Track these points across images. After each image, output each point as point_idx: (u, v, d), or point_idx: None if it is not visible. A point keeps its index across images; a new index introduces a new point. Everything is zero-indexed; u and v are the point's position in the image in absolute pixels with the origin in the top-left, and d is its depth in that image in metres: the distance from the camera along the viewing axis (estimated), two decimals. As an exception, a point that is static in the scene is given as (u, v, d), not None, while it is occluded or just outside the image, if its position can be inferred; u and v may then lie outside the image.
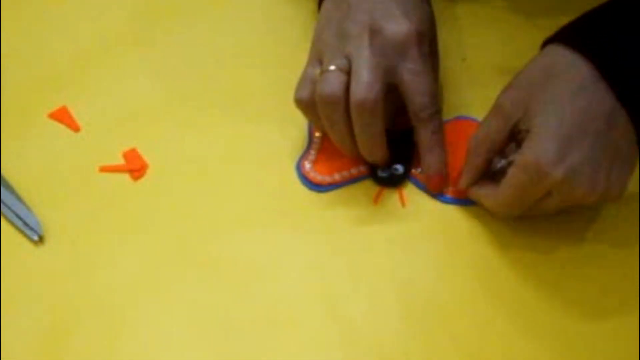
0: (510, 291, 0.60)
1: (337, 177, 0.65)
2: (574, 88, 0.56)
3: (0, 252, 0.62)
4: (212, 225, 0.63)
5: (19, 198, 0.64)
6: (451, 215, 0.63)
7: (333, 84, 0.60)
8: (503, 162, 0.60)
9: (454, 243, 0.62)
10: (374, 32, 0.61)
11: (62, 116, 0.69)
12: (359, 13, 0.62)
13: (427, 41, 0.62)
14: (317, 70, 0.62)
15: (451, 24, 0.72)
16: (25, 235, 0.63)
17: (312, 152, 0.66)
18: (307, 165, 0.65)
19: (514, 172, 0.57)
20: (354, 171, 0.65)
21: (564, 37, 0.58)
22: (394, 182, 0.64)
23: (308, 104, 0.62)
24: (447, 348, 0.58)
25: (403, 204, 0.64)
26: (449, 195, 0.64)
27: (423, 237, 0.62)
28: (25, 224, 0.63)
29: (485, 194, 0.61)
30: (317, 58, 0.63)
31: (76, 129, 0.69)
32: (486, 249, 0.61)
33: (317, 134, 0.67)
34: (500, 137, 0.59)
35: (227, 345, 0.58)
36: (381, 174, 0.64)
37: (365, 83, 0.60)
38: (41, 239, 0.63)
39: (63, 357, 0.58)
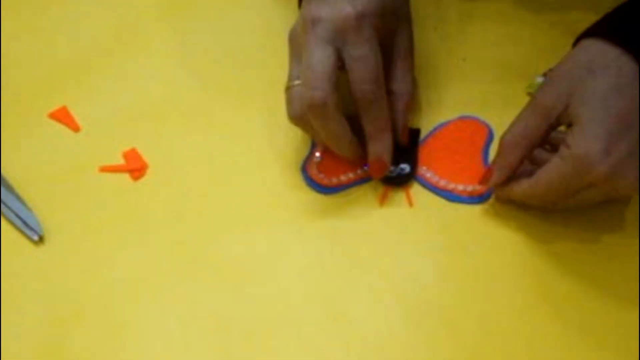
0: (513, 291, 0.60)
1: (343, 178, 0.65)
2: (619, 84, 0.56)
3: (0, 252, 0.62)
4: (212, 225, 0.63)
5: (19, 198, 0.64)
6: (459, 215, 0.63)
7: (294, 105, 0.61)
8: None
9: (457, 243, 0.62)
10: (314, 23, 0.60)
11: (62, 116, 0.69)
12: (306, 8, 0.61)
13: (369, 23, 0.60)
14: (285, 86, 0.62)
15: (452, 23, 0.72)
16: (25, 235, 0.63)
17: (317, 153, 0.66)
18: (313, 167, 0.65)
19: (557, 163, 0.57)
20: (360, 172, 0.65)
21: (602, 31, 0.58)
22: (400, 181, 0.64)
23: (299, 122, 0.62)
24: (448, 348, 0.58)
25: (410, 203, 0.64)
26: (456, 193, 0.64)
27: (428, 236, 0.62)
28: (25, 224, 0.63)
29: (521, 186, 0.60)
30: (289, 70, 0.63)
31: (76, 129, 0.69)
32: (491, 249, 0.61)
33: None
34: (539, 134, 0.59)
35: (227, 345, 0.58)
36: (387, 173, 0.64)
37: (310, 85, 0.59)
38: (41, 239, 0.63)
39: (63, 357, 0.58)
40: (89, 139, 0.68)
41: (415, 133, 0.66)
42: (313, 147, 0.66)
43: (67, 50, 0.73)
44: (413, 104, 0.65)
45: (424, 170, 0.65)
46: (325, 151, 0.65)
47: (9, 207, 0.64)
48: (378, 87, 0.61)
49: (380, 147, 0.62)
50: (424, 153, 0.65)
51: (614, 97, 0.56)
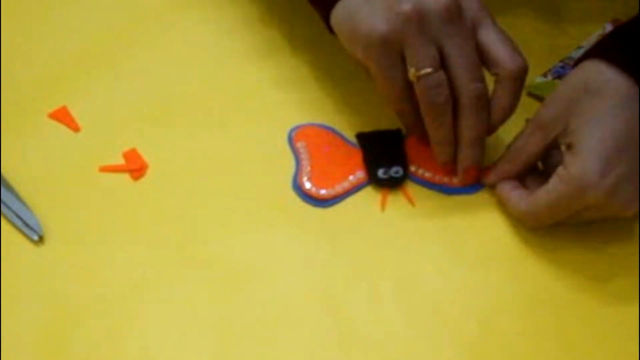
0: (514, 291, 0.60)
1: (338, 188, 0.64)
2: (615, 105, 0.57)
3: (0, 252, 0.62)
4: (212, 225, 0.63)
5: (19, 198, 0.64)
6: (459, 213, 0.63)
7: (441, 92, 0.59)
8: None
9: (458, 242, 0.62)
10: (424, 14, 0.57)
11: (62, 116, 0.69)
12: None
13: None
14: (412, 70, 0.59)
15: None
16: (25, 235, 0.63)
17: (307, 167, 0.65)
18: (305, 181, 0.65)
19: (555, 184, 0.58)
20: (352, 179, 0.65)
21: (601, 52, 0.58)
22: (396, 183, 0.64)
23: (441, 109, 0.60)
24: (448, 348, 0.58)
25: (412, 203, 0.64)
26: (453, 185, 0.64)
27: (429, 236, 0.62)
28: (25, 224, 0.63)
29: (516, 197, 0.61)
30: (393, 49, 0.59)
31: (76, 129, 0.69)
32: (492, 249, 0.62)
33: (298, 144, 0.66)
34: (538, 151, 0.60)
35: (227, 346, 0.58)
36: (382, 176, 0.64)
37: (472, 76, 0.58)
38: (41, 239, 0.63)
39: (63, 357, 0.58)
40: (89, 139, 0.68)
41: (397, 134, 0.66)
42: (298, 162, 0.66)
43: (67, 50, 0.73)
44: None
45: (415, 169, 0.65)
46: (313, 162, 0.65)
47: (9, 207, 0.64)
48: (483, 86, 0.60)
49: (476, 153, 0.62)
50: (411, 152, 0.66)
51: (610, 118, 0.57)
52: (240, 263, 0.62)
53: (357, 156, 0.66)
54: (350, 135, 0.67)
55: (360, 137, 0.67)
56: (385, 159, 0.65)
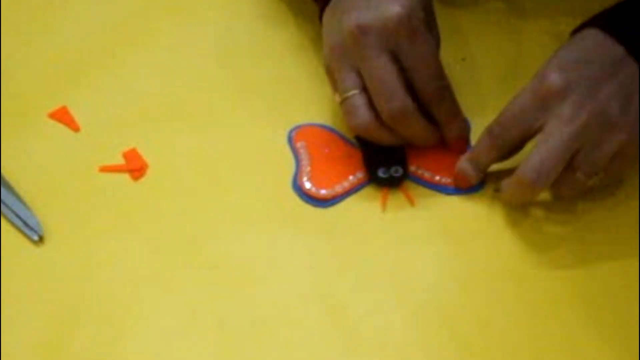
0: (514, 291, 0.60)
1: (338, 188, 0.64)
2: (589, 45, 0.59)
3: (0, 252, 0.62)
4: (212, 225, 0.63)
5: (19, 198, 0.64)
6: (460, 212, 0.63)
7: (359, 114, 0.61)
8: None
9: (460, 239, 0.62)
10: (364, 32, 0.60)
11: (62, 116, 0.69)
12: (346, 15, 0.61)
13: (418, 17, 0.61)
14: (337, 98, 0.62)
15: (451, 25, 0.72)
16: (25, 235, 0.63)
17: (307, 167, 0.65)
18: (306, 181, 0.65)
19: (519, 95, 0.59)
20: (352, 179, 0.65)
21: (590, 22, 0.60)
22: (396, 183, 0.64)
23: (366, 132, 0.63)
24: (448, 348, 0.58)
25: (412, 203, 0.64)
26: (453, 186, 0.64)
27: (429, 236, 0.62)
28: (25, 224, 0.63)
29: (484, 134, 0.62)
30: (331, 79, 0.63)
31: (76, 129, 0.69)
32: (492, 248, 0.61)
33: (298, 144, 0.66)
34: (531, 115, 0.60)
35: (227, 346, 0.58)
36: (382, 175, 0.64)
37: (386, 96, 0.60)
38: (41, 239, 0.63)
39: (63, 357, 0.58)
40: (89, 139, 0.68)
41: None
42: (298, 162, 0.66)
43: (67, 50, 0.73)
44: None
45: (415, 169, 0.65)
46: (313, 162, 0.65)
47: (9, 207, 0.64)
48: (444, 79, 0.62)
49: (458, 128, 0.64)
50: (411, 152, 0.65)
51: (580, 42, 0.59)
52: (240, 263, 0.62)
53: (357, 156, 0.66)
54: (350, 135, 0.67)
55: (360, 137, 0.67)
56: (385, 158, 0.65)
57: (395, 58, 0.61)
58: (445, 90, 0.63)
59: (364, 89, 0.61)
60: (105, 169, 0.66)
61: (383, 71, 0.60)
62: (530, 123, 0.59)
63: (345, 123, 0.64)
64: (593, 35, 0.59)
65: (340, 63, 0.62)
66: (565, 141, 0.57)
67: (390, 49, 0.60)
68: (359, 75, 0.61)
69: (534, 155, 0.58)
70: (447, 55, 0.69)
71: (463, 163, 0.63)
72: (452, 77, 0.69)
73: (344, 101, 0.62)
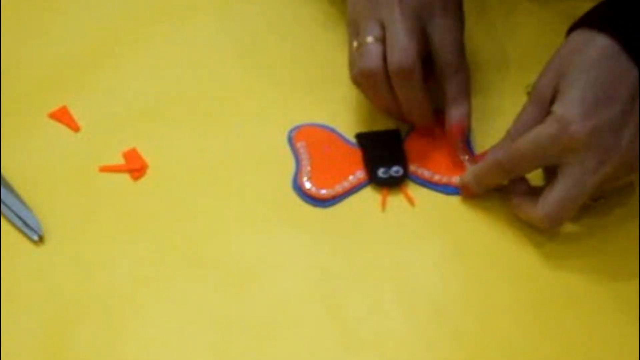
0: (514, 291, 0.60)
1: (338, 188, 0.64)
2: (600, 56, 0.58)
3: (0, 252, 0.62)
4: (212, 225, 0.63)
5: (19, 198, 0.64)
6: (460, 212, 0.63)
7: (371, 58, 0.62)
8: None
9: (460, 239, 0.62)
10: None
11: (62, 116, 0.69)
12: None
13: None
14: (355, 43, 0.63)
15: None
16: (25, 235, 0.63)
17: (307, 167, 0.65)
18: (305, 180, 0.65)
19: (538, 127, 0.58)
20: (352, 179, 0.65)
21: (587, 21, 0.60)
22: (396, 183, 0.64)
23: (367, 79, 0.63)
24: (448, 348, 0.58)
25: (412, 203, 0.64)
26: (452, 185, 0.64)
27: (429, 236, 0.62)
28: (25, 224, 0.63)
29: (499, 151, 0.61)
30: (354, 29, 0.64)
31: (76, 129, 0.69)
32: (493, 248, 0.61)
33: (298, 144, 0.66)
34: (537, 122, 0.60)
35: (227, 346, 0.58)
36: (382, 175, 0.64)
37: (400, 49, 0.61)
38: (41, 239, 0.63)
39: (63, 357, 0.58)
40: (89, 139, 0.68)
41: (396, 134, 0.66)
42: (298, 162, 0.66)
43: (67, 50, 0.73)
44: None
45: (415, 168, 0.65)
46: (313, 162, 0.65)
47: (9, 207, 0.64)
48: (463, 57, 0.64)
49: (462, 110, 0.64)
50: (411, 152, 0.66)
51: (593, 67, 0.58)
52: (240, 263, 0.62)
53: (357, 156, 0.66)
54: (350, 135, 0.67)
55: (360, 137, 0.67)
56: (385, 158, 0.65)
57: (422, 30, 0.62)
58: (462, 67, 0.64)
59: (383, 41, 0.62)
60: (105, 169, 0.66)
61: (406, 29, 0.61)
62: (547, 161, 0.59)
63: (350, 74, 0.64)
64: (601, 46, 0.58)
65: (370, 12, 0.63)
66: (589, 189, 0.58)
67: (421, 16, 0.62)
68: (382, 28, 0.62)
69: (555, 194, 0.58)
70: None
71: (468, 178, 0.63)
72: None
73: (360, 46, 0.63)
